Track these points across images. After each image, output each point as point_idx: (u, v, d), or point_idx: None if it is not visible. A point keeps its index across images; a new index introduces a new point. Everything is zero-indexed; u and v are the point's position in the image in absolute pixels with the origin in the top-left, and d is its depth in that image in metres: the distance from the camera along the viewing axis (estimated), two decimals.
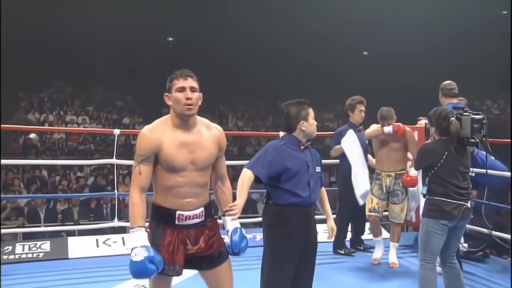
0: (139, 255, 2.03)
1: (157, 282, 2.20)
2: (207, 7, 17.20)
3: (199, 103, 2.20)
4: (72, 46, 17.28)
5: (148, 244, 2.08)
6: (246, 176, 2.50)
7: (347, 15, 16.54)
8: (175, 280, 2.29)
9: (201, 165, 2.19)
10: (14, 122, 12.94)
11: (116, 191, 4.64)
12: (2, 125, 4.18)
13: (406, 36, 17.00)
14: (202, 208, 2.23)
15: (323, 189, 2.78)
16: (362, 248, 4.69)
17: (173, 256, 2.15)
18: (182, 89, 2.16)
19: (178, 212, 2.16)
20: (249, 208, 7.74)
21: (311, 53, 18.59)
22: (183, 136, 2.16)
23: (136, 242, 2.07)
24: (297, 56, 18.85)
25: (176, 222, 2.17)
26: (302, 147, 2.62)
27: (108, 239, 4.50)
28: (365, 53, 21.26)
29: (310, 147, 2.72)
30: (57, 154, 12.71)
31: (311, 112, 2.67)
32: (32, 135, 13.05)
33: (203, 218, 2.23)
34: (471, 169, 4.09)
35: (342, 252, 4.51)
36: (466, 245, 4.38)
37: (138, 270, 2.04)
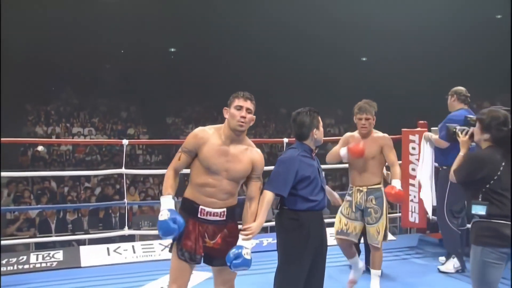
0: (164, 215, 2.35)
1: (179, 267, 2.45)
2: (208, 17, 17.31)
3: (250, 124, 2.49)
4: (77, 59, 17.42)
5: (173, 208, 2.38)
6: (266, 198, 2.55)
7: (347, 21, 16.62)
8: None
9: (233, 175, 2.46)
10: (23, 135, 13.06)
11: (125, 200, 4.69)
12: (11, 139, 4.24)
13: (404, 41, 17.07)
14: (225, 209, 2.47)
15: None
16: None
17: (195, 245, 2.43)
18: (239, 108, 2.45)
19: (201, 207, 2.45)
20: None
21: (311, 59, 18.69)
22: (226, 147, 2.47)
23: (164, 206, 2.39)
24: (297, 63, 18.96)
25: (198, 215, 2.45)
26: (313, 154, 2.72)
27: (119, 247, 4.54)
28: (364, 59, 21.34)
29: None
30: (64, 165, 12.81)
31: (320, 120, 2.75)
32: (40, 148, 13.16)
33: (224, 218, 2.47)
34: None
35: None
36: None
37: (163, 228, 2.34)
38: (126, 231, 4.53)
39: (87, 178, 10.64)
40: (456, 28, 15.89)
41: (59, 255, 4.32)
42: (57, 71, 17.49)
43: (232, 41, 18.32)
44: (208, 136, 2.46)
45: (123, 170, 4.51)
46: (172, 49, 21.33)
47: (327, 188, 2.85)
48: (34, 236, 6.89)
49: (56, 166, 12.50)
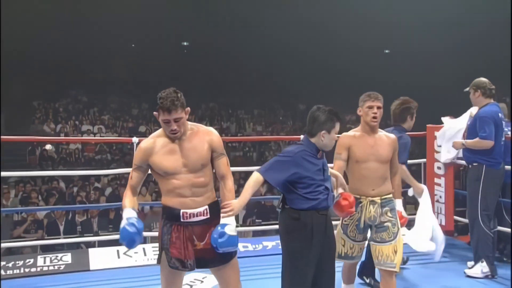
0: (122, 223, 2.37)
1: (169, 276, 2.48)
2: (222, 11, 17.35)
3: (185, 120, 2.48)
4: (86, 55, 17.61)
5: (131, 215, 2.40)
6: (253, 179, 2.57)
7: (366, 13, 16.49)
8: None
9: (194, 167, 2.46)
10: (30, 133, 13.25)
11: None
12: (17, 137, 4.30)
13: (429, 33, 16.87)
14: (206, 207, 2.49)
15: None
16: (368, 281, 4.10)
17: (183, 251, 2.44)
18: (167, 121, 2.43)
19: (182, 211, 2.45)
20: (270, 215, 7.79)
21: (330, 54, 18.58)
22: (172, 145, 2.47)
23: (123, 217, 2.42)
24: (316, 58, 18.86)
25: (181, 220, 2.46)
26: (319, 154, 2.68)
27: (129, 250, 4.58)
28: (387, 51, 21.13)
29: None
30: (73, 164, 12.96)
31: (337, 127, 2.68)
32: (48, 146, 13.32)
33: (208, 216, 2.49)
34: None
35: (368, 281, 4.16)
36: None
37: (122, 235, 2.35)
38: None
39: (97, 178, 10.74)
40: (483, 21, 15.64)
41: (67, 257, 4.36)
42: (65, 67, 17.70)
43: (248, 35, 18.33)
44: (153, 143, 2.49)
45: None
46: (185, 43, 21.42)
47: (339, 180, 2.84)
48: (42, 238, 6.99)
49: (64, 165, 12.65)
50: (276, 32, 17.66)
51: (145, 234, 5.24)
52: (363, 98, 3.13)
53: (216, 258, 2.46)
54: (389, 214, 3.02)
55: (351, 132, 3.15)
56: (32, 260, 4.26)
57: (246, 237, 6.45)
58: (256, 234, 6.29)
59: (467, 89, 4.13)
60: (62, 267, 4.24)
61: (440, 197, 4.76)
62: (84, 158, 13.62)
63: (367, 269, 3.71)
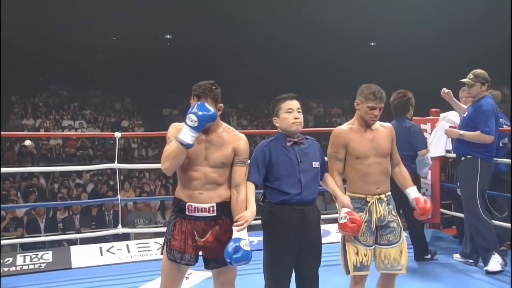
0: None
1: (169, 269, 2.49)
2: (205, 4, 17.25)
3: (219, 112, 2.51)
4: (67, 48, 17.37)
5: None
6: (249, 187, 2.57)
7: (353, 5, 16.54)
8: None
9: (214, 162, 2.47)
10: (8, 128, 13.04)
11: (119, 196, 4.66)
12: None
13: (416, 26, 16.98)
14: (214, 204, 2.47)
15: (328, 176, 2.82)
16: (429, 256, 4.35)
17: (184, 245, 2.46)
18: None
19: (188, 203, 2.46)
20: None
21: (315, 46, 18.61)
22: (203, 134, 2.46)
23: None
24: (301, 50, 18.88)
25: (186, 213, 2.47)
26: (289, 143, 2.65)
27: (112, 246, 4.52)
28: (372, 44, 21.23)
29: (310, 140, 2.75)
30: (54, 160, 12.79)
31: (284, 106, 2.64)
32: (27, 142, 13.13)
33: (214, 214, 2.47)
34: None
35: (429, 256, 4.34)
36: None
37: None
38: (120, 230, 4.51)
39: (79, 174, 10.63)
40: (468, 13, 15.80)
41: (48, 256, 4.29)
42: (45, 61, 17.43)
43: (231, 28, 18.26)
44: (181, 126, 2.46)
45: (116, 165, 4.48)
46: (168, 36, 21.25)
47: (329, 182, 2.79)
48: (22, 236, 6.89)
49: (45, 161, 12.48)
50: (260, 24, 17.61)
51: (129, 230, 5.21)
52: (366, 95, 2.81)
53: (217, 259, 2.46)
54: (393, 212, 2.85)
55: (345, 126, 2.90)
56: (11, 259, 4.19)
57: None
58: None
59: (470, 81, 3.95)
60: (43, 265, 4.17)
61: (427, 190, 4.79)
62: (65, 154, 13.45)
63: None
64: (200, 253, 2.53)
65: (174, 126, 2.51)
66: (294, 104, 2.65)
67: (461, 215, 4.77)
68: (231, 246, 2.36)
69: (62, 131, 13.94)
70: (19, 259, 4.20)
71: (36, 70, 17.29)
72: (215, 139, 2.49)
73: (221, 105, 2.53)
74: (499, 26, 15.42)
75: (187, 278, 3.80)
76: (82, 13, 16.56)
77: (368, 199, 2.79)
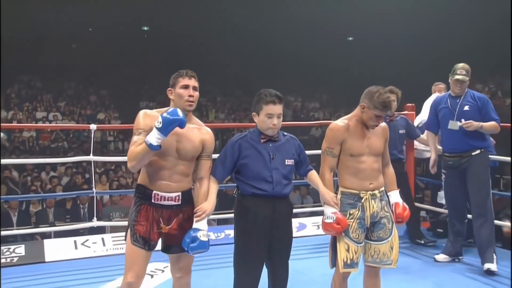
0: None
1: (134, 254, 2.50)
2: None
3: (194, 105, 2.56)
4: (40, 37, 17.02)
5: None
6: (211, 181, 2.64)
7: (330, 0, 16.61)
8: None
9: (184, 155, 2.51)
10: None
11: (94, 189, 4.62)
12: None
13: (392, 20, 17.15)
14: (179, 193, 2.53)
15: (313, 173, 2.82)
16: (423, 242, 4.58)
17: (148, 231, 2.48)
18: (186, 87, 2.52)
19: (154, 192, 2.49)
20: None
21: (293, 41, 18.65)
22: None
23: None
24: (279, 44, 18.88)
25: (152, 201, 2.50)
26: (263, 140, 2.66)
27: (87, 240, 4.49)
28: (350, 38, 21.38)
29: (288, 136, 2.76)
30: (27, 153, 12.55)
31: (266, 108, 2.61)
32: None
33: (179, 203, 2.53)
34: None
35: (422, 242, 4.56)
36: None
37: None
38: (95, 223, 4.47)
39: (53, 167, 10.47)
40: (445, 7, 16.03)
41: (20, 249, 4.24)
42: (17, 51, 17.05)
43: (209, 20, 18.17)
44: (160, 113, 2.45)
45: (91, 157, 4.42)
46: (145, 28, 21.02)
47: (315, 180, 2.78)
48: None
49: (18, 154, 12.23)
50: (237, 17, 17.58)
51: (104, 224, 5.17)
52: (375, 103, 2.69)
53: (178, 245, 2.51)
54: (385, 208, 2.82)
55: (341, 122, 2.81)
56: None
57: (210, 225, 6.43)
58: (218, 222, 6.30)
59: (460, 77, 3.96)
60: (15, 259, 4.13)
61: None
62: (39, 146, 13.22)
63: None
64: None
65: (141, 114, 2.51)
66: (276, 109, 2.63)
67: (438, 210, 4.90)
68: (189, 235, 2.46)
69: (36, 123, 13.67)
70: None
71: (8, 61, 16.89)
72: (186, 133, 2.51)
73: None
74: (479, 19, 15.71)
75: (162, 271, 3.80)
76: (57, 3, 16.23)
77: (361, 195, 2.74)
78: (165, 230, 2.52)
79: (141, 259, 2.50)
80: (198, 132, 2.58)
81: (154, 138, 2.32)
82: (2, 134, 12.70)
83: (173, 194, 2.51)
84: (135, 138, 2.45)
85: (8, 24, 16.21)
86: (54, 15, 16.60)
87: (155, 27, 20.02)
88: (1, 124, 12.29)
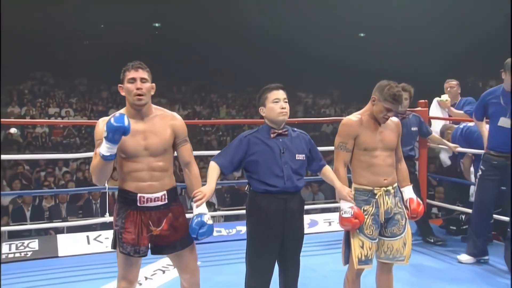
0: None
1: (124, 263, 2.43)
2: None
3: (151, 93, 2.43)
4: (52, 35, 17.14)
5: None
6: (211, 166, 2.62)
7: None
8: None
9: (155, 151, 2.40)
10: None
11: (106, 185, 4.64)
12: None
13: (405, 15, 17.01)
14: (165, 192, 2.44)
15: (327, 168, 2.81)
16: (432, 240, 4.52)
17: (137, 237, 2.40)
18: (133, 80, 2.38)
19: (139, 195, 2.39)
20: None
21: (304, 37, 18.58)
22: (135, 125, 2.37)
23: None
24: (290, 41, 18.85)
25: (138, 204, 2.40)
26: (272, 135, 2.65)
27: (100, 235, 4.52)
28: (362, 34, 21.26)
29: (298, 132, 2.75)
30: (40, 149, 12.67)
31: (271, 95, 2.63)
32: (13, 130, 12.99)
33: (166, 201, 2.44)
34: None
35: (432, 240, 4.51)
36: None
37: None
38: (107, 218, 4.49)
39: (65, 162, 10.55)
40: (461, 3, 15.86)
41: (34, 244, 4.28)
42: (30, 48, 17.20)
43: (220, 17, 18.15)
44: None
45: None
46: (157, 24, 21.08)
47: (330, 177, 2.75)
48: (7, 225, 6.84)
49: (31, 149, 12.36)
50: (249, 14, 17.56)
51: None
52: (385, 96, 2.70)
53: (174, 244, 2.46)
54: (399, 204, 2.81)
55: (355, 117, 2.82)
56: None
57: (218, 222, 6.46)
58: (229, 218, 6.31)
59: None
60: (29, 254, 4.16)
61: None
62: (51, 142, 13.34)
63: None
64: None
65: (99, 123, 2.41)
66: (281, 94, 2.64)
67: (451, 207, 4.87)
68: (195, 222, 2.36)
69: (48, 119, 13.80)
70: (5, 248, 4.18)
71: (22, 57, 17.06)
72: (150, 127, 2.41)
73: (153, 84, 2.46)
74: (491, 18, 15.53)
75: (163, 272, 3.81)
76: (70, 1, 16.33)
77: (375, 191, 2.74)
78: (156, 232, 2.43)
79: (132, 266, 2.44)
80: (163, 122, 2.45)
81: (104, 148, 2.21)
82: (15, 129, 12.84)
83: (159, 194, 2.41)
84: (96, 150, 2.33)
85: (21, 22, 16.35)
86: (66, 12, 16.69)
87: (167, 23, 20.05)
88: (15, 120, 12.43)
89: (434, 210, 5.94)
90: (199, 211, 2.41)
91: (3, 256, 4.07)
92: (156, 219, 2.43)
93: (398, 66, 16.73)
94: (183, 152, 2.51)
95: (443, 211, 5.41)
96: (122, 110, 2.46)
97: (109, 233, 4.54)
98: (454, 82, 5.16)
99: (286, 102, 2.65)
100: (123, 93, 2.43)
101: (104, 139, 2.20)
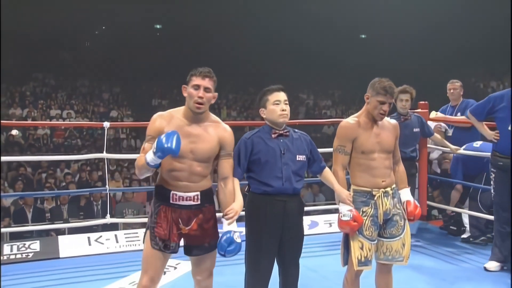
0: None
1: (151, 257, 2.46)
2: None
3: (212, 102, 2.48)
4: (54, 36, 17.17)
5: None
6: (234, 182, 2.62)
7: None
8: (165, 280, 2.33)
9: (200, 156, 2.44)
10: None
11: (107, 186, 4.66)
12: None
13: (406, 17, 17.02)
14: (198, 193, 2.47)
15: (327, 170, 2.81)
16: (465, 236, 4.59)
17: (168, 233, 2.44)
18: (197, 87, 2.43)
19: (172, 192, 2.44)
20: None
21: (306, 38, 18.59)
22: (188, 127, 2.44)
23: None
24: (292, 41, 18.86)
25: (171, 201, 2.45)
26: (273, 135, 2.66)
27: (101, 236, 4.53)
28: (363, 36, 21.27)
29: (299, 133, 2.76)
30: (41, 150, 12.69)
31: (271, 97, 2.65)
32: (14, 131, 13.01)
33: (198, 202, 2.47)
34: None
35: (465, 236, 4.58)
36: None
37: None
38: (108, 220, 4.51)
39: (67, 164, 10.58)
40: (461, 3, 15.86)
41: (35, 245, 4.29)
42: (32, 49, 17.23)
43: (222, 18, 18.17)
44: (167, 119, 2.46)
45: (104, 155, 4.47)
46: (158, 26, 21.11)
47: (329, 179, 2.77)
48: (9, 226, 6.86)
49: (33, 151, 12.38)
50: (251, 14, 17.57)
51: (117, 220, 5.22)
52: (377, 90, 2.74)
53: (203, 246, 2.49)
54: (397, 206, 2.82)
55: (352, 120, 2.82)
56: None
57: (219, 223, 6.45)
58: None
59: None
60: (30, 255, 4.17)
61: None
62: (53, 143, 13.36)
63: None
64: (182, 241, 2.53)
65: (153, 118, 2.49)
66: (281, 96, 2.66)
67: (449, 208, 4.88)
68: (225, 239, 2.40)
69: (50, 121, 13.82)
70: (6, 249, 4.20)
71: (24, 59, 17.10)
72: (201, 133, 2.45)
73: (216, 94, 2.50)
74: (493, 19, 15.54)
75: (175, 268, 3.83)
76: (71, 1, 16.36)
77: (374, 193, 2.75)
78: (185, 231, 2.46)
79: (158, 262, 2.47)
80: (214, 131, 2.49)
81: (151, 158, 2.29)
82: (16, 131, 12.86)
83: (192, 194, 2.45)
84: (144, 144, 2.44)
85: (23, 23, 16.40)
86: (68, 14, 16.73)
87: (168, 25, 20.08)
88: (17, 122, 12.47)
89: (434, 212, 5.94)
90: (229, 228, 2.44)
91: (5, 257, 4.09)
92: (186, 218, 2.46)
93: (399, 67, 16.74)
94: (225, 165, 2.54)
95: (443, 212, 5.41)
96: (179, 109, 2.51)
97: (111, 235, 4.57)
98: (457, 84, 5.15)
99: (286, 104, 2.67)
100: (185, 94, 2.48)
101: (152, 151, 2.27)
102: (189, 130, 2.43)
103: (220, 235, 2.46)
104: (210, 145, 2.46)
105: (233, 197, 2.53)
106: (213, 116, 2.56)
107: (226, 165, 2.54)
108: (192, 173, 2.44)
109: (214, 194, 2.63)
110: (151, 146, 2.34)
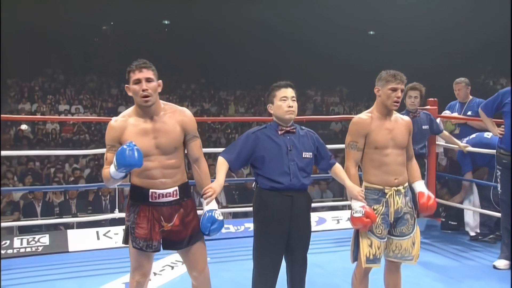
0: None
1: (136, 257, 2.46)
2: None
3: (159, 91, 2.41)
4: (63, 32, 17.24)
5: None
6: (219, 162, 2.67)
7: None
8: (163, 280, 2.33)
9: (166, 149, 2.41)
10: (4, 112, 12.99)
11: None
12: None
13: (414, 13, 16.92)
14: (176, 188, 2.44)
15: (337, 166, 2.80)
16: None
17: (149, 232, 2.41)
18: (138, 81, 2.36)
19: (151, 190, 2.40)
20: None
21: (314, 35, 18.53)
22: (145, 124, 2.40)
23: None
24: (300, 38, 18.81)
25: (150, 200, 2.41)
26: (280, 132, 2.66)
27: (109, 231, 4.55)
28: (371, 32, 21.17)
29: (306, 130, 2.76)
30: (50, 145, 12.77)
31: (279, 93, 2.66)
32: (24, 126, 13.10)
33: (177, 197, 2.45)
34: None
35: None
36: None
37: (118, 154, 2.24)
38: (116, 214, 4.54)
39: (75, 159, 10.64)
40: (469, 1, 15.74)
41: (45, 239, 4.32)
42: (41, 44, 17.32)
43: (229, 14, 18.15)
44: (124, 122, 2.42)
45: None
46: (166, 22, 21.12)
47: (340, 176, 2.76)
48: (18, 220, 6.91)
49: (41, 146, 12.46)
50: (258, 11, 17.53)
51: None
52: (386, 78, 2.72)
53: (184, 239, 2.47)
54: (409, 204, 2.78)
55: (365, 115, 2.78)
56: (8, 242, 4.22)
57: (226, 219, 6.49)
58: (238, 215, 6.33)
59: None
60: (40, 248, 4.21)
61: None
62: (61, 138, 13.44)
63: None
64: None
65: (109, 127, 2.43)
66: (289, 92, 2.66)
67: (451, 204, 4.86)
68: (207, 218, 2.39)
69: (59, 116, 13.90)
70: (16, 242, 4.23)
71: (33, 54, 17.18)
72: (160, 126, 2.40)
73: (160, 81, 2.43)
74: (502, 16, 15.40)
75: (172, 268, 3.84)
76: None
77: (386, 191, 2.72)
78: (167, 227, 2.43)
79: (145, 260, 2.46)
80: (172, 119, 2.44)
81: (115, 173, 2.26)
82: (26, 126, 12.95)
83: (171, 190, 2.42)
84: (106, 153, 2.41)
85: (32, 19, 16.47)
86: (76, 9, 16.79)
87: (176, 21, 20.09)
88: (26, 116, 12.56)
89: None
90: (210, 207, 2.44)
91: (15, 251, 4.13)
92: (168, 214, 2.43)
93: (407, 64, 16.64)
94: (193, 148, 2.50)
95: (441, 207, 5.36)
96: (131, 109, 2.47)
97: (119, 229, 4.58)
98: (461, 84, 5.11)
99: (294, 100, 2.66)
100: (130, 93, 2.42)
101: (114, 166, 2.23)
102: (147, 127, 2.39)
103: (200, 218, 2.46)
104: (173, 135, 2.42)
105: (209, 177, 2.53)
106: (167, 104, 2.50)
107: (194, 147, 2.50)
108: (164, 167, 2.40)
109: (192, 190, 2.62)
110: (113, 156, 2.29)
